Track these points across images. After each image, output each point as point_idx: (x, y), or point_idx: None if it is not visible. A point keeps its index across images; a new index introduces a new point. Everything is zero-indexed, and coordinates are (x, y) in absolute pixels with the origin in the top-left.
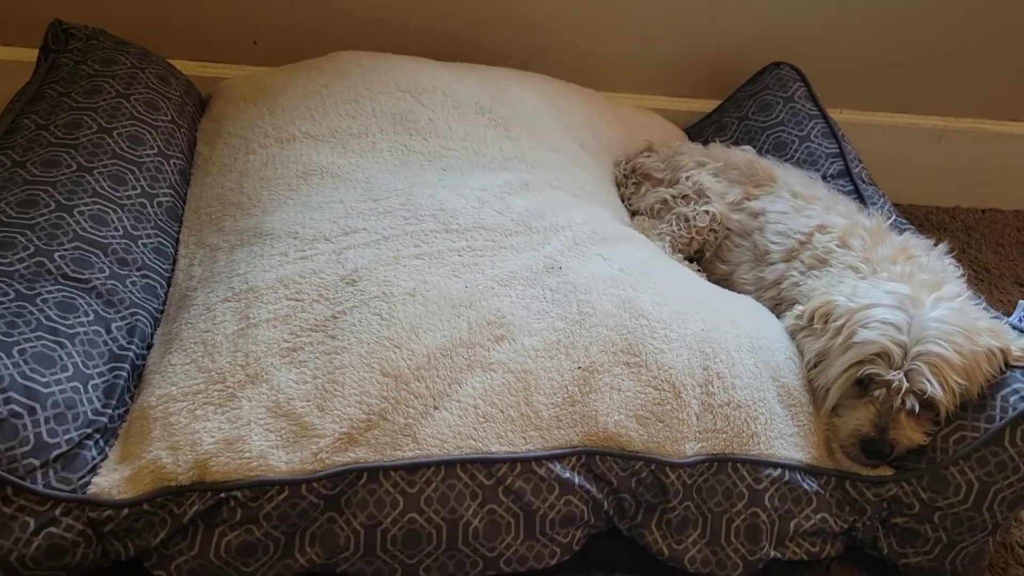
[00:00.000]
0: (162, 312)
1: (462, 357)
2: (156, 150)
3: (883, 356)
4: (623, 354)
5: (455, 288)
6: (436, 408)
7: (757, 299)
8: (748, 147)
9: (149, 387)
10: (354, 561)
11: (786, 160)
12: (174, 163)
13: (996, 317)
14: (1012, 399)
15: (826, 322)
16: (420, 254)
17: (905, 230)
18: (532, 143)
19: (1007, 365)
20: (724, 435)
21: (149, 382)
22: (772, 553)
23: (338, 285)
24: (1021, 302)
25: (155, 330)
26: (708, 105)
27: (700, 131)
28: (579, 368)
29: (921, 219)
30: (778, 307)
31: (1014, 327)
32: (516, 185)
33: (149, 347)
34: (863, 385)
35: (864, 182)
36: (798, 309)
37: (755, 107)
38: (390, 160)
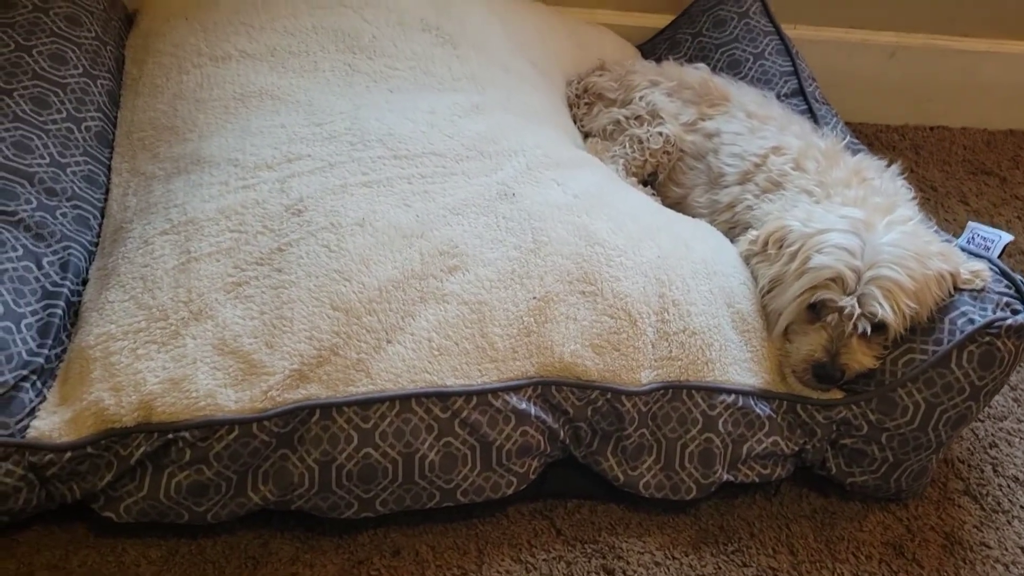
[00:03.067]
0: (96, 245)
1: (415, 289)
2: (81, 70)
3: (837, 281)
4: (579, 283)
5: (406, 217)
6: (389, 342)
7: (711, 223)
8: (702, 65)
9: (87, 325)
10: (309, 497)
11: (740, 78)
12: (101, 84)
13: (947, 240)
14: (960, 322)
15: (780, 247)
16: (368, 182)
17: (859, 151)
18: (481, 62)
19: (955, 288)
20: (679, 362)
21: (87, 320)
22: (725, 476)
23: (283, 216)
24: (970, 224)
25: (90, 264)
26: (662, 20)
27: (653, 48)
28: (534, 298)
29: (871, 137)
30: (732, 231)
31: (963, 249)
32: (466, 107)
33: (84, 282)
34: (815, 310)
35: (817, 101)
36: (752, 234)
37: (709, 23)
38: (333, 81)
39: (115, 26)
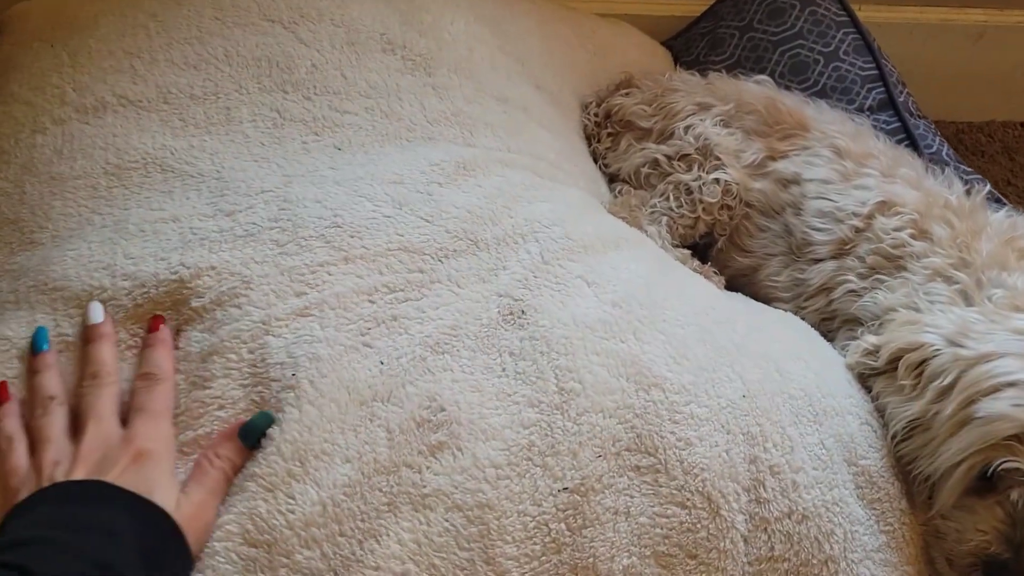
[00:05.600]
0: None
1: (379, 491)
2: None
3: (1022, 440)
4: (630, 454)
5: (364, 368)
6: None
7: (797, 311)
8: (765, 77)
9: None
10: None
11: (808, 88)
12: None
13: None
14: None
15: (919, 374)
16: (305, 309)
17: (986, 196)
18: (468, 92)
19: None
20: (786, 564)
21: None
22: None
23: None
24: None
25: None
26: (696, 7)
27: (687, 46)
28: (565, 489)
29: (951, 140)
30: (828, 323)
31: None
32: (450, 168)
33: None
34: (988, 475)
35: (913, 115)
36: (869, 341)
37: (762, 12)
38: (254, 137)
39: None
